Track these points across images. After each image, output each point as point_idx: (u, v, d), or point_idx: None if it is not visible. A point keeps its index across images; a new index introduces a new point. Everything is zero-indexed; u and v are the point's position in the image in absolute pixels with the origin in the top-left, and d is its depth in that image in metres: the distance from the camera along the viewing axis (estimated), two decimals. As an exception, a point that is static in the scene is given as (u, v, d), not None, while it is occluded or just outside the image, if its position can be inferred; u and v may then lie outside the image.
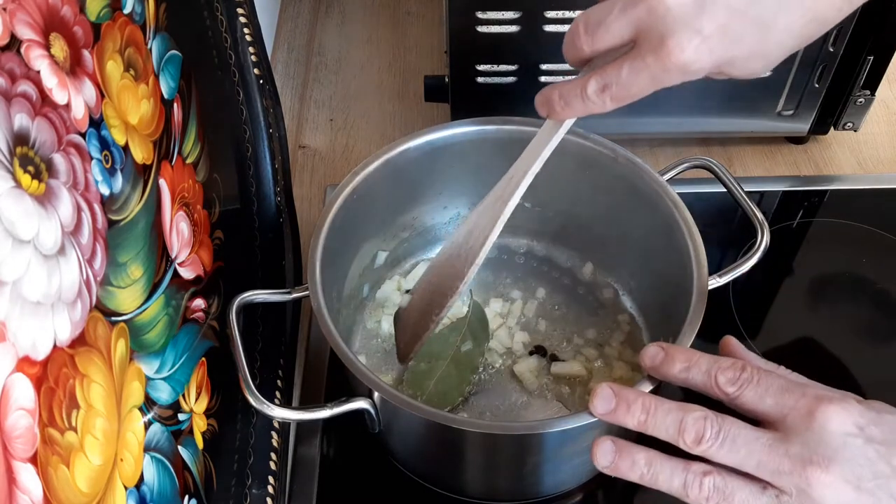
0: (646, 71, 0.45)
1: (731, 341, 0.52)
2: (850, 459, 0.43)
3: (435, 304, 0.57)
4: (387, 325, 0.66)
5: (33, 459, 0.34)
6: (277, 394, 0.60)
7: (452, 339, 0.62)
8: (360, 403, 0.52)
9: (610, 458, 0.47)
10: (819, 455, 0.43)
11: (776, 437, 0.44)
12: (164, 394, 0.47)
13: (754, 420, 0.46)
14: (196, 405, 0.51)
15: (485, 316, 0.65)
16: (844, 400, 0.45)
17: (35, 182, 0.36)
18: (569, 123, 0.52)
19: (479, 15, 0.68)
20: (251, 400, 0.50)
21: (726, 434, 0.45)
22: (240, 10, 0.60)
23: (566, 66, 0.71)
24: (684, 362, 0.48)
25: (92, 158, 0.41)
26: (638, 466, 0.46)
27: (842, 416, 0.44)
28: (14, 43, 0.36)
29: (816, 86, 0.73)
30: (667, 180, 0.60)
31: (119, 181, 0.44)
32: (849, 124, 0.77)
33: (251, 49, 0.62)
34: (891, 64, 0.73)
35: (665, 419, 0.46)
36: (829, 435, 0.44)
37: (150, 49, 0.49)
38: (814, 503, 0.43)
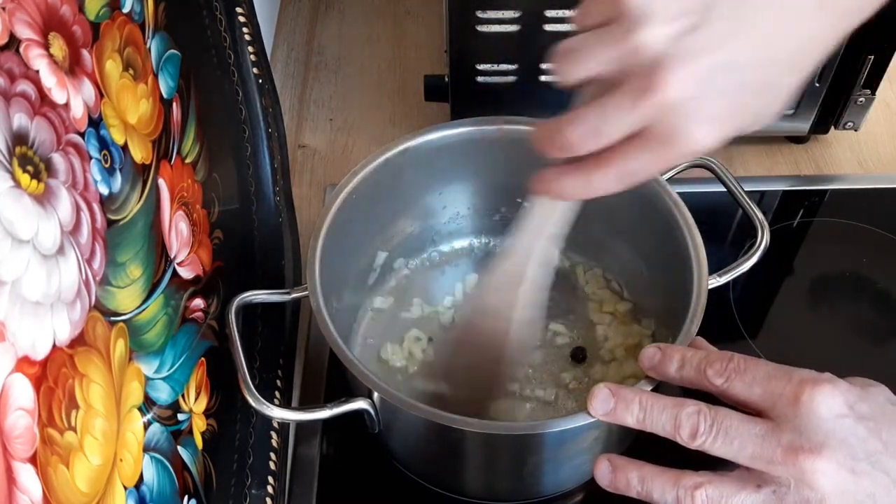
0: (658, 162, 0.42)
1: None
2: (843, 441, 0.43)
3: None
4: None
5: (33, 459, 0.34)
6: (277, 394, 0.60)
7: None
8: (360, 404, 0.52)
9: (608, 479, 0.48)
10: (811, 441, 0.43)
11: (769, 427, 0.44)
12: (163, 394, 0.47)
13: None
14: (195, 405, 0.51)
15: None
16: (832, 380, 0.45)
17: (34, 182, 0.36)
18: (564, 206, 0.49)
19: (479, 14, 0.68)
20: (250, 400, 0.50)
21: (719, 426, 0.45)
22: (239, 10, 0.60)
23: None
24: (679, 360, 0.48)
25: (91, 158, 0.41)
26: (633, 485, 0.47)
27: (831, 398, 0.44)
28: (13, 42, 0.36)
29: (817, 85, 0.73)
30: (667, 180, 0.60)
31: (118, 181, 0.44)
32: (849, 124, 0.77)
33: (250, 48, 0.62)
34: (891, 63, 0.73)
35: (661, 416, 0.46)
36: (819, 419, 0.44)
37: (150, 48, 0.49)
38: (811, 491, 0.43)
